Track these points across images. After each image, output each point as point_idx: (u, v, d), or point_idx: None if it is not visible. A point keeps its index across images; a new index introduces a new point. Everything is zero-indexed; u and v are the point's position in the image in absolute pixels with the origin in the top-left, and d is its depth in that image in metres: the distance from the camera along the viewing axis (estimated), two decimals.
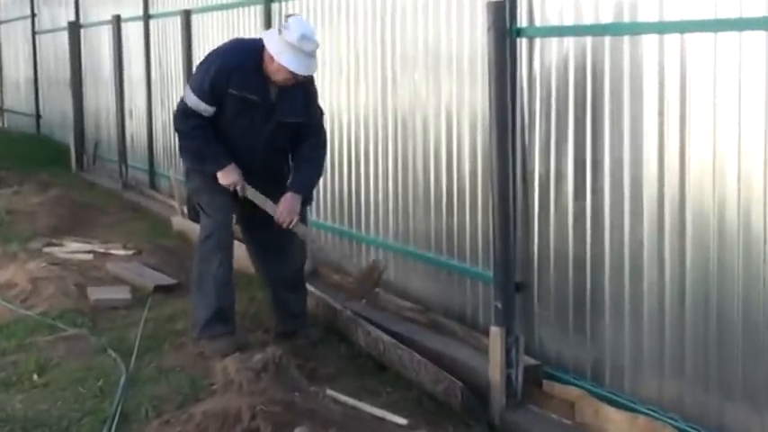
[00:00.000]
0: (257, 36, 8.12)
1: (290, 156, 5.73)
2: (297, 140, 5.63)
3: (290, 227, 5.49)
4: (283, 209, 5.46)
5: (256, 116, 5.47)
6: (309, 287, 6.20)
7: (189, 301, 6.21)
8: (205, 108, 5.42)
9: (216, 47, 5.81)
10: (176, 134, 5.78)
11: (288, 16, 5.45)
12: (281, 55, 5.21)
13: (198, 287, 5.66)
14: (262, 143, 5.55)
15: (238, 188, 5.50)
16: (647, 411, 4.31)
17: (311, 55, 5.29)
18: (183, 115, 5.53)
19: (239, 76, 5.39)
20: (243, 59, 5.45)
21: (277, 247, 5.75)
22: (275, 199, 5.51)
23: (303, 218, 5.78)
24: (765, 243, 3.80)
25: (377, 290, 5.85)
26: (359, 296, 5.85)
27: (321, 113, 5.78)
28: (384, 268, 5.73)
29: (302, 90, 5.54)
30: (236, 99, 5.41)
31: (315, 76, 5.57)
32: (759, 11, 3.76)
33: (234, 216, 5.83)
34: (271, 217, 5.51)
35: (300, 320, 5.85)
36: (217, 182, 5.53)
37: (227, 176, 5.48)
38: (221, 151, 5.50)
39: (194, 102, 5.43)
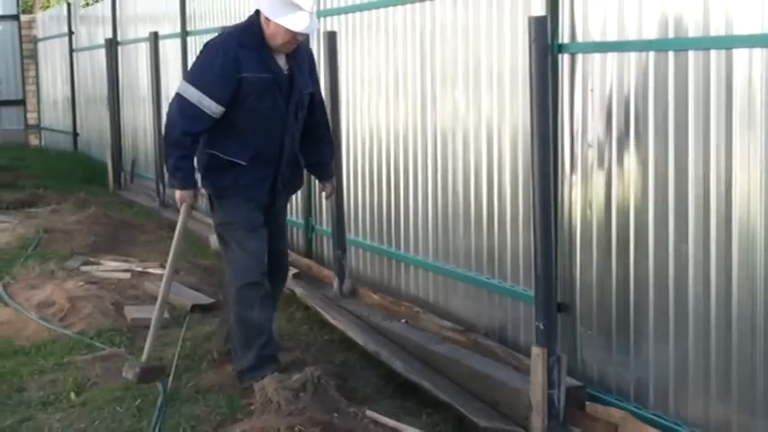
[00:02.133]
0: None
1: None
2: (308, 115, 5.51)
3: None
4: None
5: (276, 95, 5.24)
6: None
7: (223, 325, 6.26)
8: (209, 105, 5.10)
9: (212, 39, 5.50)
10: (164, 134, 5.35)
11: None
12: (276, 14, 5.02)
13: (240, 332, 5.41)
14: (289, 123, 5.33)
15: (183, 208, 5.44)
16: None
17: (308, 10, 5.06)
18: (180, 114, 5.20)
19: (248, 57, 5.14)
20: (240, 38, 5.21)
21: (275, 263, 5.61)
22: (296, 185, 5.70)
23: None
24: None
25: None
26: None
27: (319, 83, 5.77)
28: (162, 375, 5.43)
29: (306, 61, 5.47)
30: (252, 81, 5.14)
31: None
32: None
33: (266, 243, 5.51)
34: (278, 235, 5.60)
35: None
36: (244, 210, 5.35)
37: (186, 197, 5.39)
38: (193, 171, 5.37)
39: (197, 97, 5.11)
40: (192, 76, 5.29)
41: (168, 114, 5.29)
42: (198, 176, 5.46)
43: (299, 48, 5.31)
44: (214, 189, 5.50)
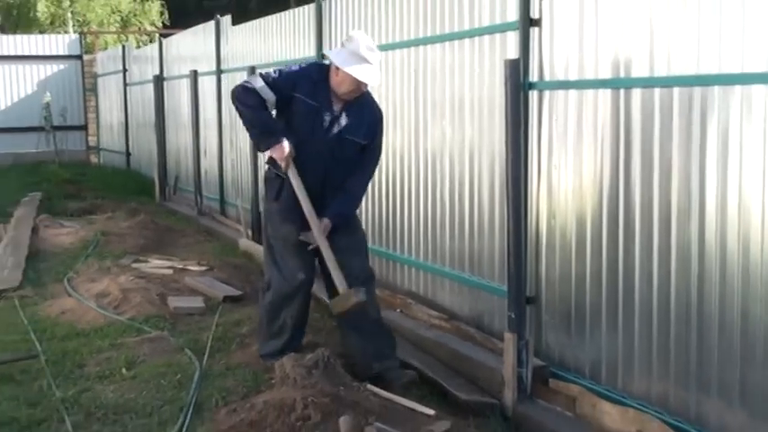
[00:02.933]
0: None
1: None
2: (355, 163, 5.10)
3: (310, 248, 5.01)
4: (320, 231, 4.93)
5: (318, 125, 4.95)
6: None
7: (251, 312, 6.26)
8: (267, 92, 4.90)
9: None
10: (234, 105, 5.08)
11: (348, 34, 5.09)
12: (345, 63, 4.80)
13: (268, 334, 5.25)
14: (323, 154, 4.97)
15: (283, 165, 4.92)
16: (636, 405, 4.29)
17: (374, 64, 4.85)
18: (245, 91, 4.96)
19: (306, 84, 4.94)
20: (311, 71, 5.05)
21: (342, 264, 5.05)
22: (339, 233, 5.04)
23: (362, 252, 5.28)
24: (739, 260, 3.80)
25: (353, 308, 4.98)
26: (334, 311, 5.10)
27: (380, 144, 5.25)
28: (360, 303, 4.90)
29: (370, 112, 5.12)
30: (299, 103, 4.92)
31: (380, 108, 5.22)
32: (735, 68, 3.78)
33: (307, 262, 5.14)
34: (348, 261, 5.02)
35: (389, 362, 5.10)
36: (289, 227, 5.04)
37: (279, 150, 4.91)
38: (278, 127, 4.96)
39: (259, 86, 4.91)
40: (263, 74, 5.05)
41: (235, 93, 5.01)
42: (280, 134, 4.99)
43: (364, 101, 5.06)
44: (265, 203, 5.31)
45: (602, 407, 4.39)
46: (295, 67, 5.06)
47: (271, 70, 5.11)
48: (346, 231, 5.14)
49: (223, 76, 11.23)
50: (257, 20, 10.13)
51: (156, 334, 6.18)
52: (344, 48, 4.87)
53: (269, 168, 5.19)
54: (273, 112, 5.08)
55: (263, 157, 5.21)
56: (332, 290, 5.10)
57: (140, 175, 15.79)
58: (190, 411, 4.65)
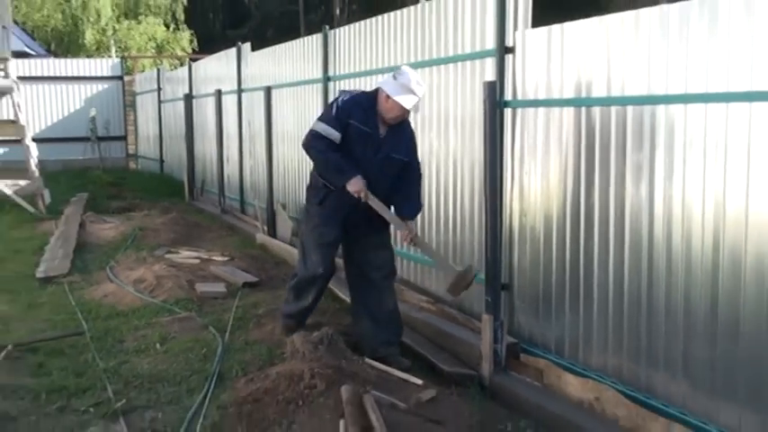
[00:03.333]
0: (318, 103, 8.31)
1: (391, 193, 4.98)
2: (401, 177, 4.96)
3: (412, 243, 4.93)
4: (410, 229, 4.89)
5: (368, 148, 4.84)
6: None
7: (272, 294, 6.24)
8: (331, 132, 4.79)
9: (339, 93, 5.08)
10: (309, 156, 4.98)
11: (399, 68, 4.90)
12: (397, 94, 4.72)
13: (289, 300, 5.34)
14: (373, 173, 4.83)
15: (362, 195, 4.77)
16: (595, 377, 4.30)
17: (418, 95, 4.79)
18: (314, 138, 4.85)
19: (358, 111, 4.83)
20: (361, 99, 4.91)
21: (380, 282, 5.09)
22: (375, 225, 4.97)
23: (389, 247, 5.20)
24: (683, 252, 3.80)
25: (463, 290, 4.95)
26: (453, 294, 4.98)
27: (418, 159, 5.14)
28: (475, 274, 4.85)
29: (407, 134, 5.00)
30: (354, 129, 4.80)
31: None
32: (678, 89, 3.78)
33: (331, 258, 5.14)
34: (376, 254, 5.06)
35: (393, 348, 5.05)
36: (326, 229, 4.99)
37: (356, 185, 4.75)
38: (349, 163, 4.80)
39: (323, 128, 4.81)
40: (321, 116, 4.95)
41: (306, 143, 4.91)
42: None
43: (402, 124, 4.95)
44: (308, 202, 5.15)
45: (566, 378, 4.39)
46: (347, 98, 4.90)
47: (329, 107, 4.93)
48: (379, 231, 5.09)
49: (243, 94, 11.22)
50: (273, 47, 10.13)
51: (185, 314, 6.17)
52: (396, 80, 4.78)
53: (316, 176, 5.06)
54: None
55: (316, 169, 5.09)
56: (352, 279, 5.25)
57: (172, 179, 15.78)
58: (214, 380, 4.66)
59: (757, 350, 3.44)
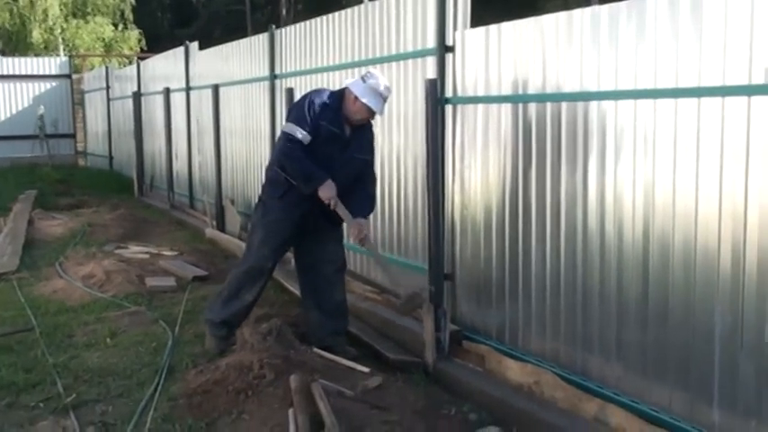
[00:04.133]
0: (265, 100, 8.23)
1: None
2: (357, 177, 4.82)
3: (361, 243, 4.73)
4: (361, 228, 4.70)
5: (335, 148, 4.70)
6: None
7: (216, 289, 6.16)
8: (303, 134, 4.61)
9: (307, 92, 4.88)
10: (280, 161, 4.74)
11: (368, 71, 4.75)
12: (365, 97, 4.60)
13: (227, 298, 4.92)
14: (338, 173, 4.69)
15: (332, 202, 4.63)
16: (534, 361, 4.34)
17: (386, 99, 4.72)
18: (287, 141, 4.66)
19: (327, 111, 4.68)
20: (329, 99, 4.73)
21: (332, 275, 4.97)
22: (332, 220, 4.82)
23: (341, 241, 5.06)
24: (615, 242, 3.85)
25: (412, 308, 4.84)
26: (401, 313, 4.94)
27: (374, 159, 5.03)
28: (423, 300, 4.72)
29: (368, 135, 4.88)
30: (324, 130, 4.65)
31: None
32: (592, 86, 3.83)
33: (284, 255, 5.02)
34: (329, 248, 4.91)
35: (340, 338, 4.97)
36: (283, 224, 4.79)
37: (327, 191, 4.61)
38: (320, 169, 4.64)
39: (293, 130, 4.63)
40: (290, 117, 4.75)
41: (278, 147, 4.79)
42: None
43: (366, 124, 4.84)
44: (267, 196, 4.92)
45: (506, 363, 4.42)
46: (318, 99, 4.71)
47: (298, 107, 4.73)
48: (334, 225, 4.93)
49: (192, 92, 11.07)
50: (220, 46, 10.01)
51: (134, 308, 6.06)
52: (365, 83, 4.64)
53: (277, 171, 4.82)
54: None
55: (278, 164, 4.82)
56: (303, 270, 5.03)
57: (121, 176, 15.51)
58: (164, 373, 4.58)
59: (685, 333, 3.50)
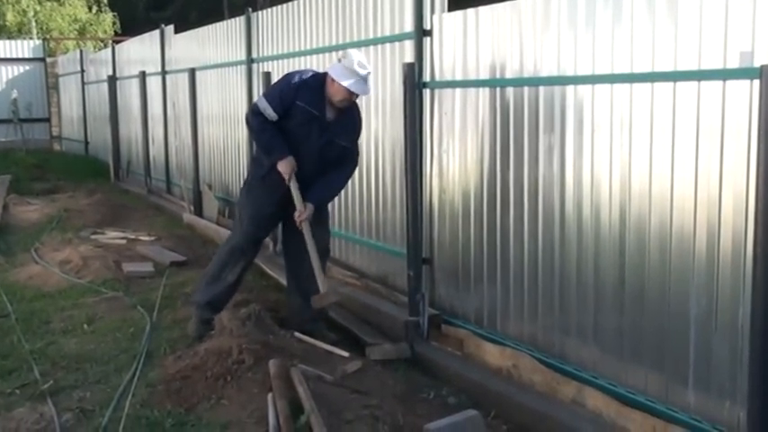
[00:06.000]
0: (242, 84, 8.17)
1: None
2: (336, 163, 4.81)
3: (300, 226, 4.69)
4: (301, 213, 4.69)
5: (313, 129, 4.65)
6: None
7: (199, 273, 6.13)
8: (270, 113, 4.61)
9: (291, 71, 4.90)
10: (248, 130, 4.88)
11: (344, 52, 4.71)
12: (341, 77, 4.52)
13: (211, 278, 4.92)
14: (313, 155, 4.68)
15: (287, 177, 4.65)
16: (512, 345, 4.36)
17: (365, 79, 4.60)
18: (253, 114, 4.70)
19: (306, 92, 4.62)
20: (310, 80, 4.68)
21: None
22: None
23: (326, 224, 5.04)
24: (592, 225, 3.87)
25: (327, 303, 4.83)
26: (314, 304, 4.75)
27: (358, 143, 4.98)
28: (336, 300, 4.88)
29: (353, 119, 4.83)
30: (299, 110, 4.61)
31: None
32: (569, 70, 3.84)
33: (268, 234, 5.05)
34: (314, 229, 4.76)
35: (319, 324, 4.96)
36: (265, 203, 4.80)
37: (286, 165, 4.62)
38: (282, 143, 4.64)
39: (263, 105, 4.64)
40: (266, 92, 4.75)
41: (247, 116, 4.81)
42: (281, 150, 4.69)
43: (351, 109, 4.77)
44: (251, 176, 4.95)
45: (485, 347, 4.44)
46: (296, 79, 4.68)
47: (276, 84, 4.77)
48: (319, 208, 4.87)
49: (167, 76, 10.97)
50: (196, 29, 9.91)
51: (112, 294, 6.02)
52: (340, 63, 4.59)
53: (259, 155, 4.89)
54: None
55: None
56: (288, 254, 5.03)
57: (97, 161, 15.37)
58: (142, 358, 4.56)
59: (660, 316, 3.53)
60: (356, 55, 4.61)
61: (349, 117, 4.79)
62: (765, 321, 2.66)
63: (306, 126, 4.65)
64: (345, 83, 4.53)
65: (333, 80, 4.59)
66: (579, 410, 3.72)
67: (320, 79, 4.68)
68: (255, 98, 7.79)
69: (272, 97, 4.68)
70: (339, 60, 4.65)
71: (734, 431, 3.21)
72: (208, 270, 5.05)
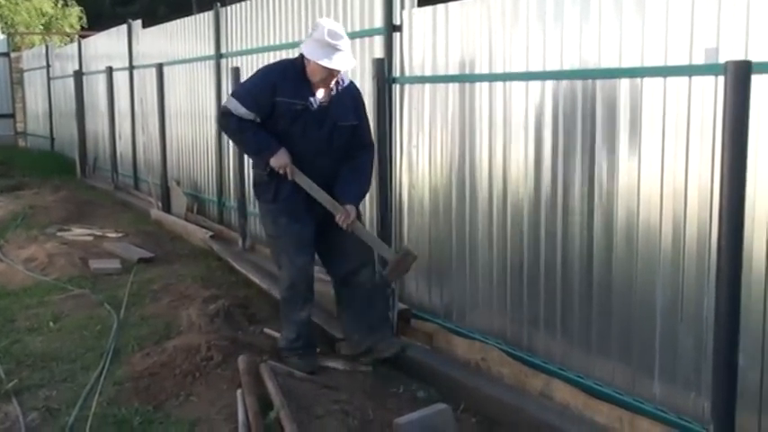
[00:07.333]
0: (211, 80, 8.10)
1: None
2: (350, 147, 4.24)
3: (349, 228, 4.15)
4: (346, 214, 4.14)
5: (308, 122, 4.09)
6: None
7: (167, 269, 6.07)
8: (244, 112, 4.05)
9: (259, 68, 4.44)
10: (225, 133, 4.27)
11: (314, 22, 4.29)
12: (314, 55, 4.00)
13: (285, 317, 4.35)
14: (322, 149, 4.14)
15: (288, 171, 4.09)
16: (481, 339, 4.38)
17: (341, 49, 4.02)
18: (224, 116, 4.15)
19: (284, 85, 4.06)
20: (284, 69, 4.16)
21: (342, 250, 4.35)
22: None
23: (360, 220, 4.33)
24: (560, 218, 3.90)
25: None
26: (390, 278, 4.35)
27: (368, 124, 4.41)
28: (414, 258, 4.26)
29: (351, 97, 4.28)
30: (283, 107, 4.05)
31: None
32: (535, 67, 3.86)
33: (314, 255, 4.35)
34: (352, 243, 4.24)
35: (377, 334, 4.36)
36: (293, 224, 4.19)
37: (279, 159, 4.07)
38: (270, 136, 4.09)
39: (234, 105, 4.08)
40: (235, 90, 4.21)
41: (218, 121, 4.34)
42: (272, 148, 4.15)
43: (345, 86, 4.25)
44: (260, 203, 4.36)
45: (454, 341, 4.45)
46: (268, 74, 4.17)
47: (247, 81, 4.29)
48: (338, 229, 4.25)
49: (135, 71, 10.84)
50: (164, 24, 9.80)
51: (78, 292, 5.94)
52: (311, 37, 4.06)
53: (258, 173, 4.29)
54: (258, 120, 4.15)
55: (255, 164, 4.33)
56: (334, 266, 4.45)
57: (63, 157, 15.13)
58: (109, 356, 4.50)
59: (627, 308, 3.57)
60: (326, 23, 4.09)
61: (345, 92, 4.24)
62: (729, 313, 2.70)
63: (299, 122, 4.11)
64: (321, 61, 4.00)
65: (308, 60, 4.10)
66: (547, 403, 3.75)
67: (298, 64, 4.15)
68: (225, 94, 7.75)
69: (241, 95, 4.15)
70: (310, 34, 4.16)
71: (699, 421, 3.25)
72: (285, 319, 4.41)
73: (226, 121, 4.18)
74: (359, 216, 4.22)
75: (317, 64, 4.02)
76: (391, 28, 5.01)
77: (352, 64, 4.16)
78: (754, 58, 2.91)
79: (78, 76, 13.15)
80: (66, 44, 20.77)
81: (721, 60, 3.04)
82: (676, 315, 3.36)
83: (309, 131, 4.13)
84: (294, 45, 6.33)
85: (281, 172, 4.12)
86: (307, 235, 4.24)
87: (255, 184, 4.36)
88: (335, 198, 4.16)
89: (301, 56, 4.14)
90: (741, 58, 2.96)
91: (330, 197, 4.14)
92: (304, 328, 4.33)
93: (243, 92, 4.18)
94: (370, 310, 4.39)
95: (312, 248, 4.30)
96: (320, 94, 4.14)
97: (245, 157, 7.09)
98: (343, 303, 4.49)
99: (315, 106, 4.12)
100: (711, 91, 3.15)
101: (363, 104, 4.37)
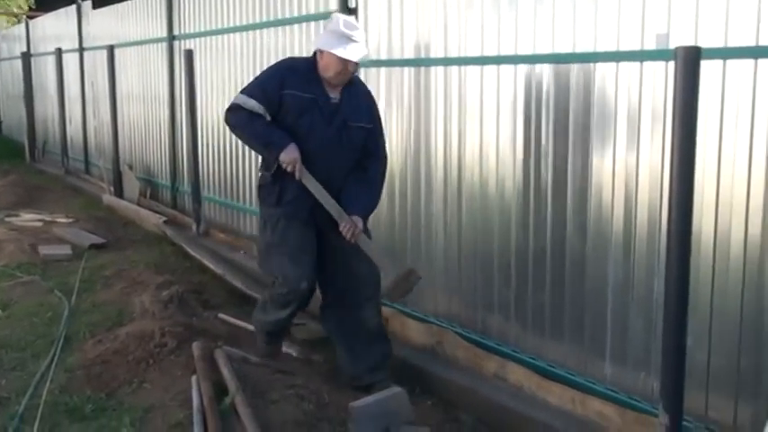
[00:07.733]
0: (163, 62, 7.97)
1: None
2: (362, 156, 3.92)
3: (354, 240, 3.80)
4: (352, 224, 3.79)
5: (317, 116, 3.80)
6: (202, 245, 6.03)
7: (120, 255, 5.97)
8: (253, 104, 3.78)
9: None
10: (233, 132, 3.99)
11: (331, 15, 4.01)
12: (327, 43, 3.75)
13: (261, 319, 4.14)
14: (333, 146, 3.83)
15: (296, 169, 3.76)
16: (436, 322, 4.40)
17: (356, 40, 3.76)
18: (232, 111, 3.86)
19: (294, 77, 3.81)
20: (294, 64, 3.95)
21: (364, 300, 4.01)
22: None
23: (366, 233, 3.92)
24: (518, 200, 3.93)
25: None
26: (392, 298, 4.04)
27: (383, 132, 4.05)
28: (418, 279, 3.85)
29: (365, 95, 4.00)
30: (292, 99, 3.77)
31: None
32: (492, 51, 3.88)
33: (314, 266, 3.92)
34: (358, 258, 3.88)
35: (380, 373, 3.99)
36: (293, 230, 3.90)
37: (289, 154, 3.75)
38: (280, 131, 3.80)
39: (242, 100, 3.81)
40: (244, 87, 3.88)
41: (226, 118, 3.91)
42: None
43: (356, 86, 3.98)
44: (262, 208, 4.07)
45: (409, 324, 4.47)
46: (277, 66, 3.95)
47: (256, 77, 3.95)
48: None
49: (85, 53, 10.63)
50: (115, 5, 9.62)
51: (28, 278, 5.81)
52: (326, 30, 3.86)
53: (262, 174, 4.02)
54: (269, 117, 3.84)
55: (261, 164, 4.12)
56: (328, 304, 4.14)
57: (11, 141, 14.80)
58: (60, 343, 4.42)
59: (579, 290, 3.62)
60: (342, 16, 3.89)
61: (357, 94, 3.97)
62: (678, 295, 2.75)
63: (308, 115, 3.83)
64: (335, 50, 3.74)
65: (322, 52, 3.82)
66: (501, 384, 3.79)
67: (310, 61, 3.93)
68: (178, 77, 7.64)
69: (249, 89, 3.88)
70: (324, 27, 3.94)
71: (648, 401, 3.32)
72: (257, 311, 4.21)
73: (234, 116, 3.88)
74: (366, 231, 3.90)
75: (332, 54, 3.76)
76: (347, 11, 4.98)
77: (365, 52, 3.87)
78: (704, 44, 2.96)
79: (26, 57, 12.85)
80: (13, 25, 20.24)
81: (672, 46, 3.08)
82: (627, 297, 3.41)
83: (317, 128, 3.83)
84: (248, 28, 6.27)
85: (288, 169, 3.80)
86: (306, 241, 3.94)
87: (259, 187, 4.07)
88: (342, 208, 3.85)
89: (314, 54, 3.91)
90: (691, 43, 3.01)
91: (337, 204, 3.84)
92: (279, 334, 4.19)
93: (251, 86, 3.90)
94: (373, 351, 4.04)
95: (311, 260, 3.93)
96: (333, 91, 3.88)
97: (199, 141, 7.02)
98: (338, 334, 4.12)
99: (323, 99, 3.84)
100: (662, 76, 3.19)
101: (377, 109, 4.06)
